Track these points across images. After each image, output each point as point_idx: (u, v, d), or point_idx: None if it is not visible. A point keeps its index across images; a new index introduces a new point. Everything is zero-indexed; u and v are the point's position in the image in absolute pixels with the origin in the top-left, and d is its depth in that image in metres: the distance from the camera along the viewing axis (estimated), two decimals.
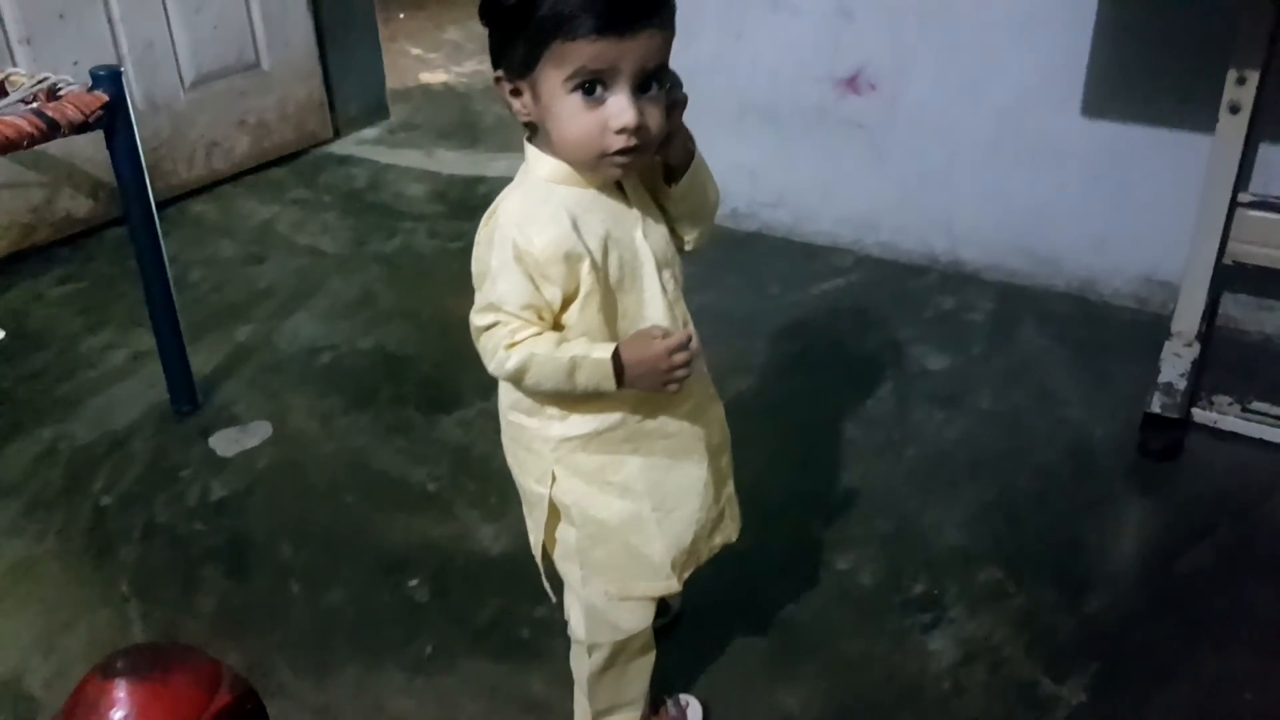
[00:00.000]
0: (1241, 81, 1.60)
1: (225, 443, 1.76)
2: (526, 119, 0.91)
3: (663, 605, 1.29)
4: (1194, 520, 1.52)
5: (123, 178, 1.60)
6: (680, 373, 0.93)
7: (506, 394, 1.02)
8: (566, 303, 0.92)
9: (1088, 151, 2.02)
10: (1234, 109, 1.63)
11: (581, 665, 1.12)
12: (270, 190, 2.74)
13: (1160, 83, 1.89)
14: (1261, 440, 1.64)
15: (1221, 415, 1.66)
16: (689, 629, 1.35)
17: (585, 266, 0.91)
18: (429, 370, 1.94)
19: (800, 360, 1.96)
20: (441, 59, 3.73)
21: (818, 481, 1.64)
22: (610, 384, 0.92)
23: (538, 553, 1.07)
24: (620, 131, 0.86)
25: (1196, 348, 1.74)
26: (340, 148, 2.98)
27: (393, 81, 3.31)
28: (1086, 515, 1.54)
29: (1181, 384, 1.64)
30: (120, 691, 0.80)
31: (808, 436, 1.74)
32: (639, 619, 1.07)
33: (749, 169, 2.43)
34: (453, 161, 2.88)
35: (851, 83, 2.21)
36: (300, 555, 1.52)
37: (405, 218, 2.54)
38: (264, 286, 2.26)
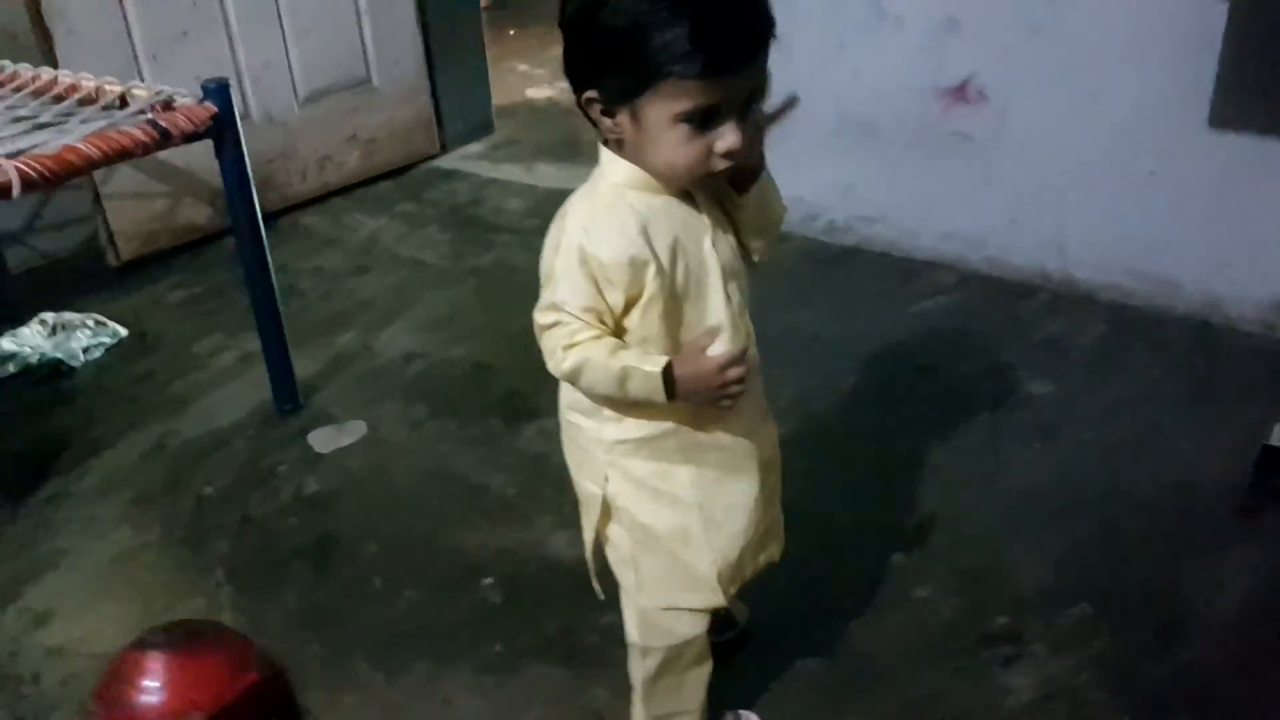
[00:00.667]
0: None
1: (323, 440, 1.83)
2: (616, 138, 0.91)
3: (728, 620, 1.28)
4: None
5: (230, 186, 1.69)
6: (735, 389, 0.92)
7: (566, 393, 1.03)
8: (629, 307, 0.93)
9: (1211, 169, 1.90)
10: None
11: (637, 670, 1.12)
12: (377, 204, 2.84)
13: None
14: None
15: None
16: (757, 646, 1.33)
17: (651, 272, 0.91)
18: (513, 381, 1.97)
19: (892, 384, 1.90)
20: (547, 75, 3.80)
21: (901, 510, 1.58)
22: (661, 396, 0.91)
23: (589, 551, 1.08)
24: (725, 155, 0.87)
25: None
26: (446, 163, 3.07)
27: (499, 98, 3.38)
28: (1188, 558, 1.44)
29: None
30: (153, 663, 0.84)
31: (894, 464, 1.68)
32: (692, 626, 1.06)
33: (846, 183, 2.39)
34: (551, 176, 2.93)
35: (960, 92, 2.14)
36: (383, 554, 1.56)
37: (502, 231, 2.60)
38: (367, 296, 2.34)
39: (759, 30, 0.86)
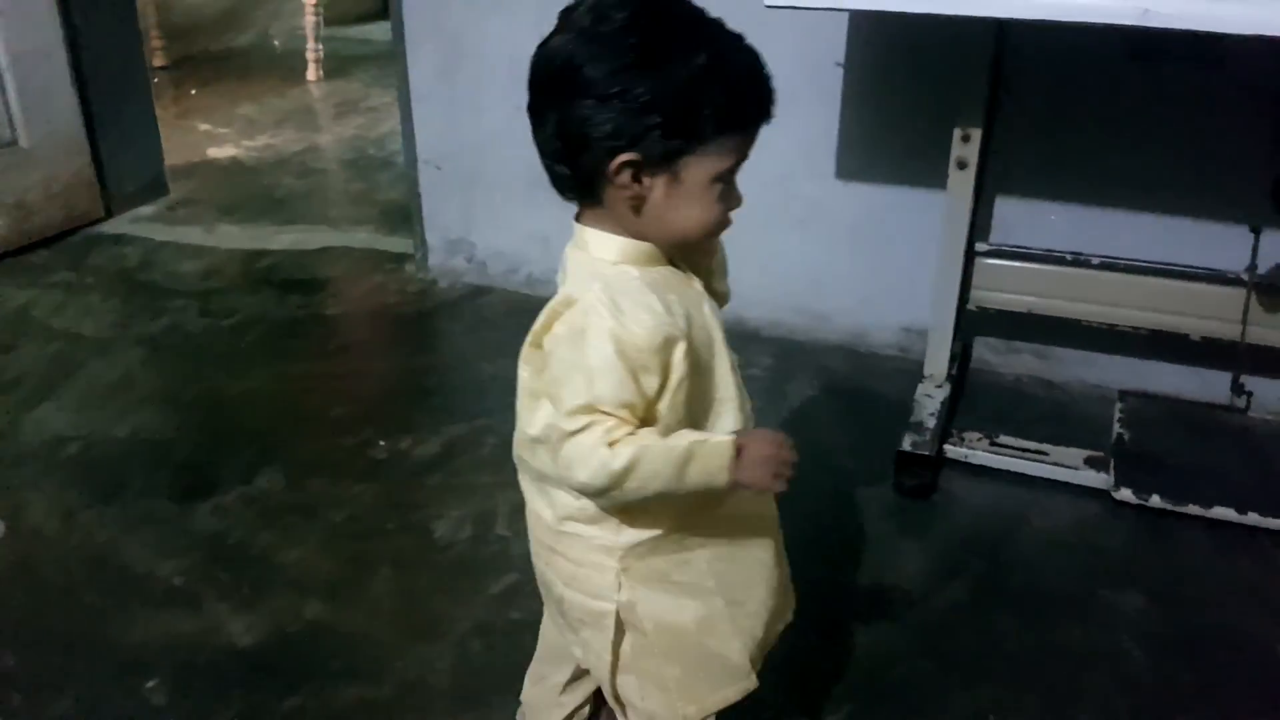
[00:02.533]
0: (966, 139, 1.75)
1: None
2: (631, 204, 0.84)
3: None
4: (949, 556, 1.58)
5: None
6: (790, 471, 0.86)
7: (563, 503, 0.92)
8: (659, 393, 0.85)
9: (849, 215, 2.14)
10: (961, 165, 1.77)
11: None
12: (29, 274, 2.54)
13: (903, 147, 2.03)
14: (1011, 473, 1.74)
15: (971, 450, 1.76)
16: None
17: (681, 350, 0.85)
18: (185, 456, 1.82)
19: None
20: (233, 134, 3.62)
21: None
22: (724, 476, 0.84)
23: (604, 673, 0.96)
24: (729, 212, 0.87)
25: (947, 388, 1.85)
26: (113, 226, 2.81)
27: (177, 158, 3.19)
28: (848, 558, 1.58)
29: (932, 422, 1.73)
30: None
31: None
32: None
33: (543, 235, 2.44)
34: (234, 236, 2.77)
35: None
36: (26, 662, 1.37)
37: (177, 296, 2.40)
38: (12, 376, 2.07)
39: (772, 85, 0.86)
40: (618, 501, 0.87)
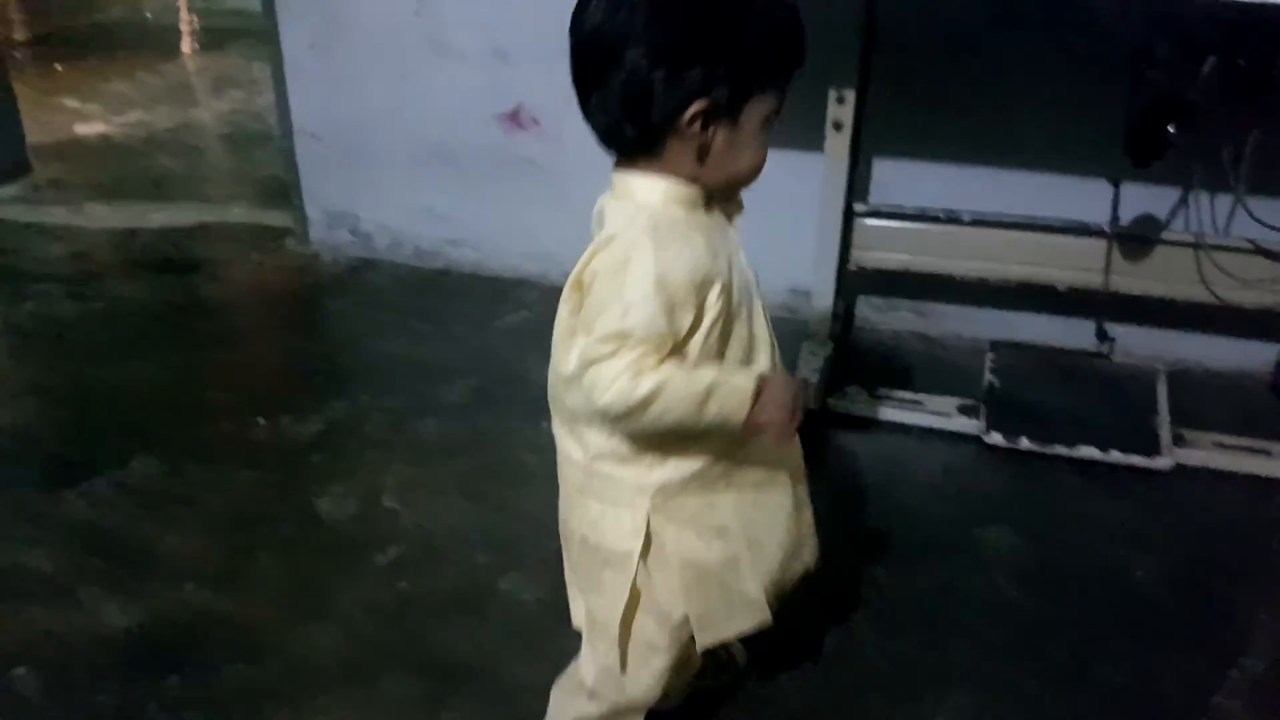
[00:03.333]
0: (841, 101, 1.78)
1: None
2: (697, 152, 0.88)
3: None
4: (833, 501, 1.62)
5: None
6: (801, 417, 0.92)
7: (595, 443, 0.95)
8: (690, 332, 0.88)
9: None
10: (838, 126, 1.81)
11: (573, 705, 1.08)
12: None
13: (786, 112, 2.06)
14: (890, 423, 1.80)
15: (853, 403, 1.81)
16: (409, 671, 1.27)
17: (716, 290, 0.88)
18: (57, 446, 1.75)
19: (484, 397, 1.94)
20: (102, 111, 3.44)
21: (492, 514, 1.61)
22: (742, 415, 0.87)
23: (615, 615, 0.98)
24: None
25: (830, 346, 1.90)
26: None
27: (41, 136, 3.04)
28: None
29: (815, 378, 1.77)
30: None
31: (487, 471, 1.72)
32: (649, 689, 1.02)
33: (427, 207, 2.41)
34: (105, 216, 2.65)
35: (515, 117, 2.25)
36: None
37: (43, 280, 2.29)
38: None
39: None
40: (634, 429, 0.90)
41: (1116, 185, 1.82)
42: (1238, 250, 1.82)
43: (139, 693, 1.27)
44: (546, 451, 1.73)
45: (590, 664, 1.04)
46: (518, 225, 2.37)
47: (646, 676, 1.01)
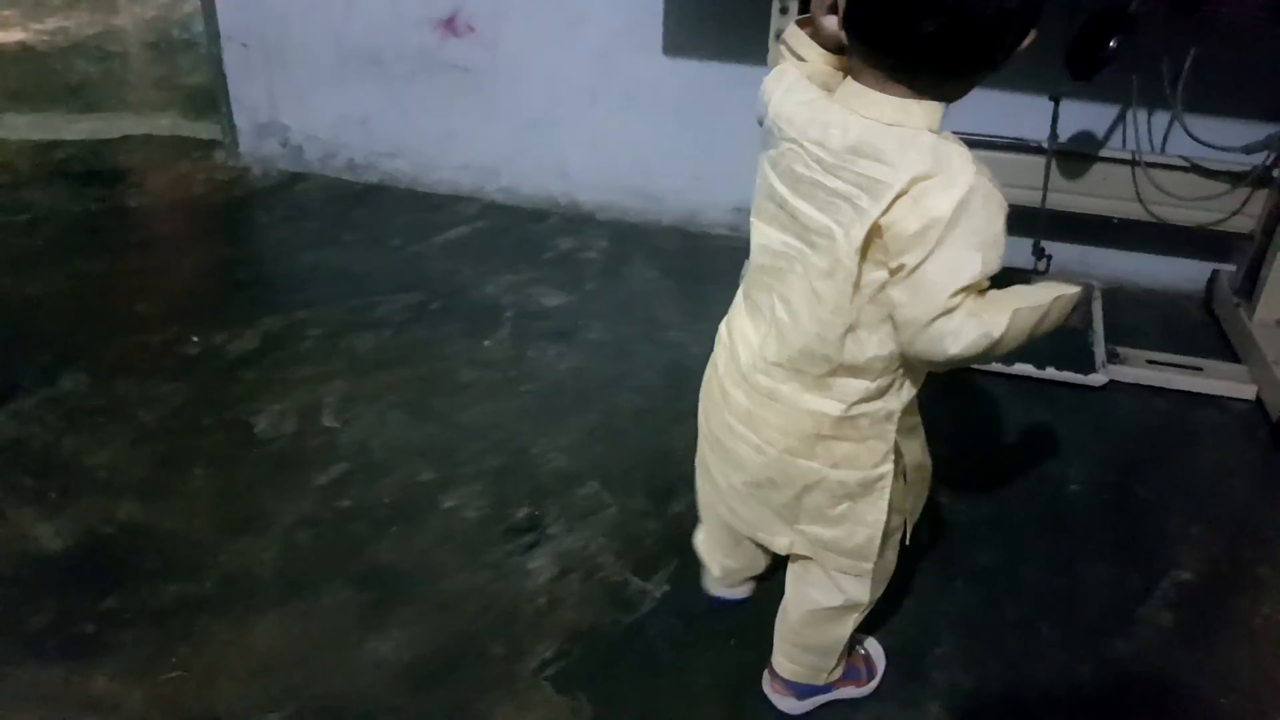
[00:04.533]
0: (784, 10, 1.73)
1: None
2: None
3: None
4: None
5: None
6: None
7: (854, 390, 0.95)
8: None
9: (675, 93, 2.12)
10: (780, 38, 1.77)
11: (842, 625, 1.12)
12: None
13: (727, 22, 2.01)
14: None
15: None
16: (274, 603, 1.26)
17: None
18: None
19: (421, 311, 1.91)
20: (17, 16, 3.25)
21: (432, 429, 1.60)
22: (1063, 319, 0.90)
23: (879, 533, 1.03)
24: None
25: None
26: None
27: None
28: (677, 427, 1.61)
29: None
30: None
31: (426, 386, 1.70)
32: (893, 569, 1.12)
33: (360, 118, 2.33)
34: (23, 127, 2.52)
35: (450, 24, 2.17)
36: None
37: None
38: None
39: None
40: (978, 361, 0.89)
41: (1056, 102, 1.83)
42: (1174, 168, 1.84)
43: (77, 612, 1.25)
44: (486, 366, 1.76)
45: (854, 585, 1.08)
46: (452, 138, 2.31)
47: (894, 559, 1.11)
